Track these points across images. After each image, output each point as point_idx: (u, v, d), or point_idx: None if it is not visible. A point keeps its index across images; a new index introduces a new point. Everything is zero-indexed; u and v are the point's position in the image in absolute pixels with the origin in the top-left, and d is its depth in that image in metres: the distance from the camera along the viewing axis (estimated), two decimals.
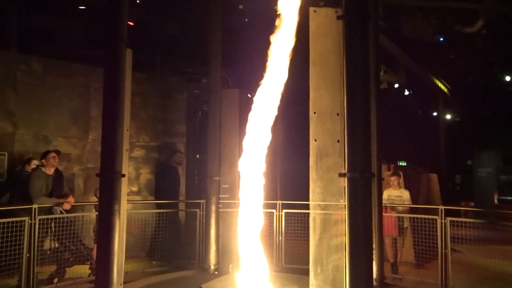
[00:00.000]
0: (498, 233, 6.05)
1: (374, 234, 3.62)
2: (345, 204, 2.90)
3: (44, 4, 8.65)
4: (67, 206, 5.83)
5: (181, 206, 7.98)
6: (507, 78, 14.84)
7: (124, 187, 3.71)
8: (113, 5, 3.75)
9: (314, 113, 3.02)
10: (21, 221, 5.23)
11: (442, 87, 15.30)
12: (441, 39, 11.51)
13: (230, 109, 6.15)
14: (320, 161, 2.96)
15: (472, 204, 15.12)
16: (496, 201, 15.51)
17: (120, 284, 3.72)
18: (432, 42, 10.74)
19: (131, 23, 8.40)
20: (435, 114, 18.55)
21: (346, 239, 2.85)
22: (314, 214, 2.92)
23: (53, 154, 6.06)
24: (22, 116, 7.34)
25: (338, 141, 2.98)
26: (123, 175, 3.50)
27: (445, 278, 5.67)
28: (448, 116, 18.47)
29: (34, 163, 6.23)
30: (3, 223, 5.03)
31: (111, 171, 3.39)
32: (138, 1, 9.07)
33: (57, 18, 8.91)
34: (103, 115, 3.54)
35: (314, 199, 2.95)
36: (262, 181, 4.34)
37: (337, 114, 3.00)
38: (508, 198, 15.25)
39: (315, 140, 2.99)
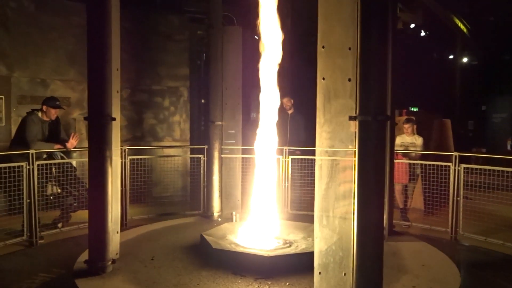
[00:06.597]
0: (510, 180, 5.85)
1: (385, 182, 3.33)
2: (354, 151, 2.62)
3: None
4: (71, 145, 5.67)
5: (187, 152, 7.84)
6: None
7: (117, 132, 3.43)
8: None
9: (323, 47, 2.62)
10: (19, 167, 5.14)
11: (462, 26, 14.39)
12: None
13: (232, 49, 5.70)
14: (328, 103, 2.62)
15: (484, 150, 14.82)
16: (509, 147, 15.18)
17: (117, 232, 3.57)
18: None
19: None
20: (451, 57, 17.75)
21: (355, 188, 2.59)
22: (321, 161, 2.63)
23: (56, 111, 5.80)
24: (17, 58, 7.05)
25: (349, 79, 2.61)
26: (114, 119, 3.22)
27: (455, 225, 5.57)
28: (465, 59, 17.67)
29: None
30: (2, 168, 4.93)
31: (99, 115, 3.10)
32: None
33: None
34: (88, 51, 3.18)
35: (321, 145, 2.64)
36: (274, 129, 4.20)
37: (349, 49, 2.60)
38: None
39: (323, 79, 2.62)
